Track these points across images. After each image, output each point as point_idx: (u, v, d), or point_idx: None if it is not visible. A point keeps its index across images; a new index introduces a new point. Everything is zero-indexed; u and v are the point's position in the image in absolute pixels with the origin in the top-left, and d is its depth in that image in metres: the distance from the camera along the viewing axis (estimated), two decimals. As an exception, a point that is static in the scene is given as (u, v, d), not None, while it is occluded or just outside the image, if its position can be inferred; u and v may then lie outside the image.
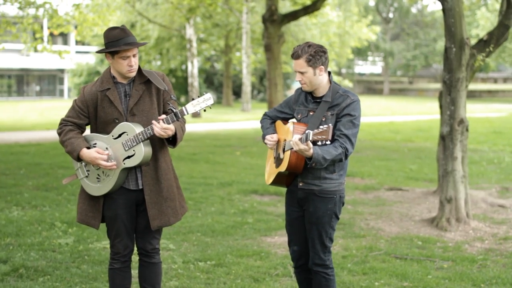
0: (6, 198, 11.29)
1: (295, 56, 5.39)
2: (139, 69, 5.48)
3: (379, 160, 17.64)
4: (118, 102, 5.40)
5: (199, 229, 9.49)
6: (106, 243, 8.53)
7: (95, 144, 5.43)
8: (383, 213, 10.72)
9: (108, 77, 5.48)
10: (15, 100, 58.90)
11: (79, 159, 5.42)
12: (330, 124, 4.97)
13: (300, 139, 5.04)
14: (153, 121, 5.25)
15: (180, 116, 5.27)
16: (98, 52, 5.47)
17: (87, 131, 5.61)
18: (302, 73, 5.40)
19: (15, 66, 60.63)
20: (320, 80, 5.43)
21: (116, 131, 5.37)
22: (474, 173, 14.94)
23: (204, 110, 5.32)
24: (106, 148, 5.40)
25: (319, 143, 5.00)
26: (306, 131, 5.01)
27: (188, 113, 5.28)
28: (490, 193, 12.32)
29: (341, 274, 7.44)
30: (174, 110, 5.28)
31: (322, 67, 5.38)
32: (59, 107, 45.18)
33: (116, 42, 5.29)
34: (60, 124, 5.53)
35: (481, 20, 42.41)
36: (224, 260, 7.91)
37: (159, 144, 5.50)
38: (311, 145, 5.03)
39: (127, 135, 5.33)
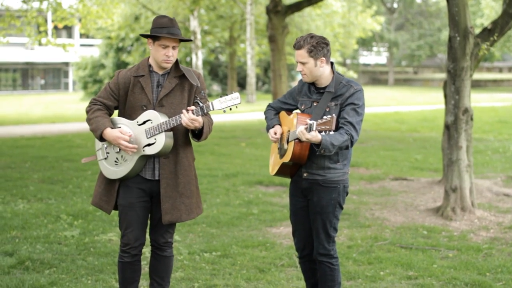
0: (12, 191, 11.32)
1: (297, 46, 5.44)
2: (177, 63, 5.52)
3: (384, 150, 17.64)
4: (149, 90, 5.44)
5: (204, 220, 9.50)
6: (112, 235, 8.56)
7: (119, 127, 5.45)
8: (388, 203, 10.72)
9: (145, 64, 5.53)
10: (20, 94, 58.99)
11: (102, 139, 5.45)
12: (333, 114, 5.00)
13: (306, 129, 5.05)
14: (183, 110, 5.27)
15: (205, 111, 5.28)
16: (142, 35, 5.57)
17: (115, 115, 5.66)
18: (303, 63, 5.44)
19: (19, 59, 60.69)
20: (321, 72, 5.46)
21: (142, 117, 5.40)
22: (479, 162, 14.93)
23: (230, 109, 5.31)
24: (129, 132, 5.41)
25: (323, 133, 5.02)
26: (310, 122, 5.02)
27: (214, 109, 5.29)
28: (495, 182, 12.32)
29: (346, 264, 7.46)
30: (201, 104, 5.30)
31: (324, 58, 5.41)
32: (64, 101, 45.29)
33: (160, 29, 5.33)
34: (90, 102, 5.58)
35: (486, 9, 42.21)
36: (230, 251, 7.93)
37: (183, 139, 5.52)
38: (317, 133, 5.05)
39: (152, 123, 5.35)
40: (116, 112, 5.69)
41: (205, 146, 18.00)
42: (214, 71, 55.11)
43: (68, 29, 61.57)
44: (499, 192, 11.38)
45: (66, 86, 64.96)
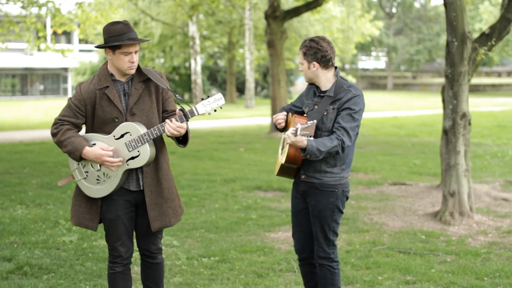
0: (11, 197, 11.32)
1: (300, 46, 5.58)
2: (138, 67, 5.32)
3: (383, 155, 17.65)
4: (117, 101, 5.22)
5: (202, 225, 9.50)
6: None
7: (94, 144, 5.23)
8: (386, 208, 10.73)
9: (105, 74, 5.28)
10: (19, 99, 58.94)
11: (80, 158, 5.23)
12: (314, 121, 5.10)
13: (293, 132, 5.10)
14: (167, 120, 5.09)
15: (190, 117, 5.13)
16: (98, 46, 5.27)
17: (82, 131, 5.42)
18: (301, 64, 5.58)
19: (18, 65, 60.63)
20: (314, 75, 5.54)
21: (118, 131, 5.20)
22: (478, 167, 14.94)
23: (215, 111, 5.20)
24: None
25: (311, 138, 5.12)
26: (297, 126, 5.08)
27: (198, 114, 5.14)
28: (493, 187, 12.33)
29: (345, 269, 7.46)
30: (184, 111, 5.16)
31: (315, 63, 5.47)
32: (63, 106, 45.20)
33: (119, 36, 5.10)
34: (55, 123, 5.30)
35: (484, 14, 42.24)
36: (228, 256, 7.93)
37: (160, 144, 5.39)
38: (302, 138, 5.11)
39: (131, 135, 5.16)
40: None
41: (203, 151, 18.03)
42: (213, 76, 55.16)
43: (67, 35, 61.55)
44: (498, 196, 11.39)
45: (65, 92, 64.87)
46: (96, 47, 5.35)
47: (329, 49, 5.47)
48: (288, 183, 5.94)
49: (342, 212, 5.68)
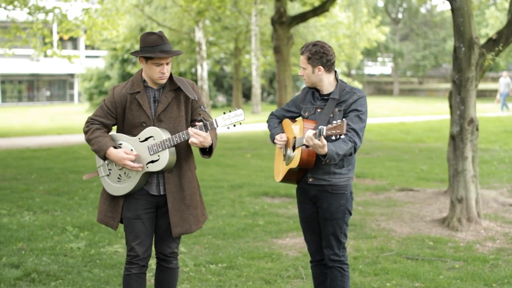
0: (18, 203, 11.33)
1: (301, 51, 5.61)
2: (170, 76, 5.48)
3: (390, 160, 17.62)
4: (147, 106, 5.40)
5: (210, 231, 9.50)
6: (117, 247, 8.55)
7: (121, 144, 5.43)
8: (394, 214, 10.71)
9: (139, 80, 5.48)
10: (25, 105, 59.12)
11: (105, 158, 5.42)
12: (344, 119, 5.07)
13: (314, 135, 5.09)
14: (190, 129, 5.22)
15: (209, 128, 5.25)
16: (132, 54, 5.45)
17: (113, 131, 5.62)
18: (303, 68, 5.59)
19: (25, 71, 60.83)
20: (319, 79, 5.57)
21: (143, 134, 5.37)
22: (485, 172, 14.90)
23: (234, 126, 5.31)
24: (131, 150, 5.39)
25: (333, 137, 5.12)
26: (320, 127, 5.08)
27: (218, 126, 5.27)
28: (501, 193, 12.29)
29: (353, 275, 7.44)
30: (205, 122, 5.26)
31: (321, 67, 5.52)
32: (69, 112, 45.37)
33: (153, 48, 5.27)
34: (87, 122, 5.54)
35: (491, 19, 42.21)
36: (236, 263, 7.92)
37: (184, 151, 5.50)
38: (324, 141, 5.11)
39: (154, 139, 5.32)
40: (114, 127, 5.67)
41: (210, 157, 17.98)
42: (219, 82, 55.18)
43: (74, 41, 61.77)
44: (505, 202, 11.36)
45: (71, 98, 65.08)
46: (131, 53, 5.53)
47: (332, 52, 5.55)
48: (295, 189, 5.92)
49: (351, 214, 5.74)
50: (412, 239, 9.15)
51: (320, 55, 5.49)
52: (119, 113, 5.48)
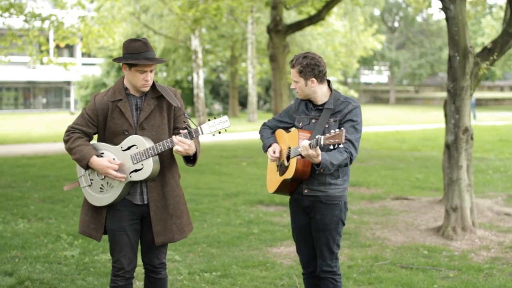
0: (12, 211, 11.31)
1: (291, 65, 5.55)
2: (153, 84, 5.41)
3: (385, 169, 17.62)
4: (129, 114, 5.32)
5: (204, 240, 9.49)
6: (111, 255, 8.54)
7: (102, 153, 5.35)
8: (389, 223, 10.70)
9: (120, 87, 5.40)
10: (21, 113, 59.08)
11: (87, 167, 5.34)
12: (342, 128, 5.03)
13: (310, 145, 5.07)
14: (174, 137, 5.17)
15: (194, 136, 5.19)
16: (115, 60, 5.37)
17: (94, 140, 5.53)
18: (295, 82, 5.53)
19: (21, 78, 60.83)
20: (312, 91, 5.53)
21: (126, 143, 5.30)
22: (481, 181, 14.91)
23: (219, 133, 5.23)
24: (114, 159, 5.31)
25: (331, 147, 5.07)
26: (316, 136, 5.06)
27: (203, 134, 5.19)
28: (496, 202, 12.30)
29: (347, 284, 7.43)
30: (189, 129, 5.21)
31: (314, 79, 5.47)
32: (65, 119, 45.28)
33: (137, 54, 5.20)
34: (68, 131, 5.44)
35: (487, 28, 42.33)
36: (230, 271, 7.91)
37: (168, 160, 5.45)
38: (319, 151, 5.09)
39: (137, 148, 5.25)
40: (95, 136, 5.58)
41: (206, 165, 18.01)
42: (216, 90, 55.25)
43: (70, 48, 61.78)
44: (500, 211, 11.36)
45: (67, 105, 65.03)
46: (114, 60, 5.45)
47: (323, 63, 5.51)
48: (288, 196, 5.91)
49: (344, 224, 5.70)
50: (407, 248, 9.14)
51: (311, 67, 5.44)
52: (100, 122, 5.40)
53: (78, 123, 5.43)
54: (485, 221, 10.72)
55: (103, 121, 5.39)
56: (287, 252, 8.87)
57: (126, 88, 5.40)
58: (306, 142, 5.13)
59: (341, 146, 5.31)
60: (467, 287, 7.36)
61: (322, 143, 5.03)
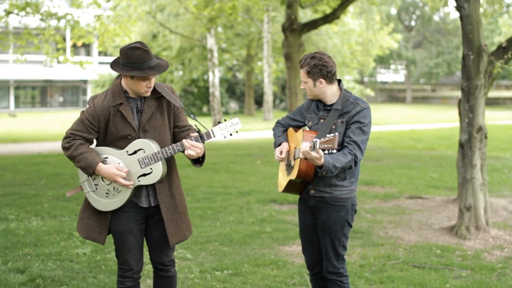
0: (26, 208, 11.35)
1: (299, 65, 5.50)
2: None
3: (400, 168, 17.56)
4: (131, 118, 5.22)
5: (216, 238, 9.48)
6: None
7: (106, 158, 5.26)
8: (402, 222, 10.66)
9: (120, 91, 5.27)
10: (38, 111, 59.37)
11: (93, 174, 5.25)
12: (336, 133, 4.97)
13: (310, 147, 5.04)
14: (185, 141, 5.12)
15: (206, 139, 5.14)
16: (117, 70, 5.18)
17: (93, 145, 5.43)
18: (304, 82, 5.49)
19: (38, 77, 61.07)
20: (321, 91, 5.47)
21: (132, 147, 5.21)
22: (496, 180, 14.82)
23: (231, 135, 5.20)
24: (119, 163, 5.23)
25: (326, 151, 5.00)
26: (314, 140, 5.00)
27: (214, 137, 5.15)
28: (511, 201, 12.22)
29: (358, 283, 7.40)
30: (201, 133, 5.16)
31: (322, 80, 5.41)
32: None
33: (140, 64, 5.05)
34: (67, 137, 5.29)
35: (504, 27, 42.15)
36: (241, 270, 7.90)
37: (171, 159, 5.41)
38: (321, 153, 5.03)
39: (144, 152, 5.19)
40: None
41: (220, 164, 18.01)
42: (232, 89, 55.30)
43: (87, 47, 61.98)
44: (515, 211, 11.29)
45: (84, 104, 65.23)
46: (116, 70, 5.23)
47: (332, 63, 5.44)
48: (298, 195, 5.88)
49: (351, 226, 5.64)
50: (420, 247, 9.10)
51: (319, 68, 5.38)
52: (101, 127, 5.27)
53: (78, 129, 5.28)
54: (500, 220, 10.65)
55: (104, 126, 5.27)
56: (299, 251, 8.84)
57: (125, 91, 5.29)
58: (306, 145, 5.09)
59: (344, 148, 5.28)
60: (479, 286, 7.31)
61: (318, 146, 4.97)
